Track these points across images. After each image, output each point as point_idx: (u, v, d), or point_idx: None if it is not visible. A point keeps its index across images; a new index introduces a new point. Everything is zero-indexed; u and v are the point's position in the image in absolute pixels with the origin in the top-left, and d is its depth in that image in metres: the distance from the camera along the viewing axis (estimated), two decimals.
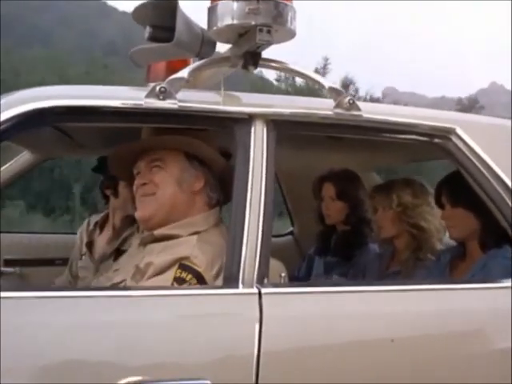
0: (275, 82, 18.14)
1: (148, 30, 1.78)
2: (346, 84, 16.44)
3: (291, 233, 3.64)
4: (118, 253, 2.42)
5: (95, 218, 2.82)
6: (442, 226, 2.46)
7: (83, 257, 2.67)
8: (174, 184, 1.78)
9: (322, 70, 16.12)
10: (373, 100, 17.24)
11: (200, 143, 1.79)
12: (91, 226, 2.78)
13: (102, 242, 2.67)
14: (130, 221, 2.49)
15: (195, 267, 1.64)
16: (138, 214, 1.82)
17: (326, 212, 2.89)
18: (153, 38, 1.79)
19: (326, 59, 16.51)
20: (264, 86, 16.17)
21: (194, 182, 1.80)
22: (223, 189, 1.84)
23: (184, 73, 1.67)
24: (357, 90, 16.98)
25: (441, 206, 2.27)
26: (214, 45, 1.83)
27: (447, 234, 2.41)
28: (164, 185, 1.78)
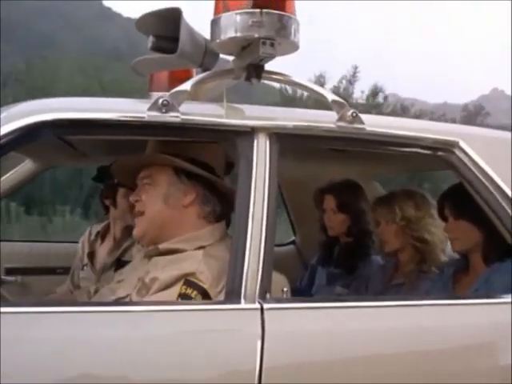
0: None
1: (151, 39, 1.78)
2: (376, 92, 16.14)
3: (293, 242, 3.63)
4: (119, 263, 2.42)
5: (97, 227, 2.81)
6: (445, 237, 2.44)
7: (85, 267, 2.65)
8: (160, 201, 1.78)
9: (352, 78, 15.87)
10: (403, 108, 16.92)
11: (182, 162, 1.78)
12: (93, 236, 2.76)
13: (103, 252, 2.66)
14: (130, 231, 2.46)
15: (200, 283, 1.63)
16: (133, 232, 1.85)
17: (328, 224, 2.87)
18: (156, 48, 1.78)
19: (356, 67, 16.29)
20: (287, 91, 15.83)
21: (184, 196, 1.79)
22: (221, 201, 1.82)
23: (187, 85, 1.66)
24: (386, 98, 16.66)
25: (444, 218, 2.26)
26: (216, 55, 1.82)
27: (449, 245, 2.40)
28: (151, 202, 1.79)
